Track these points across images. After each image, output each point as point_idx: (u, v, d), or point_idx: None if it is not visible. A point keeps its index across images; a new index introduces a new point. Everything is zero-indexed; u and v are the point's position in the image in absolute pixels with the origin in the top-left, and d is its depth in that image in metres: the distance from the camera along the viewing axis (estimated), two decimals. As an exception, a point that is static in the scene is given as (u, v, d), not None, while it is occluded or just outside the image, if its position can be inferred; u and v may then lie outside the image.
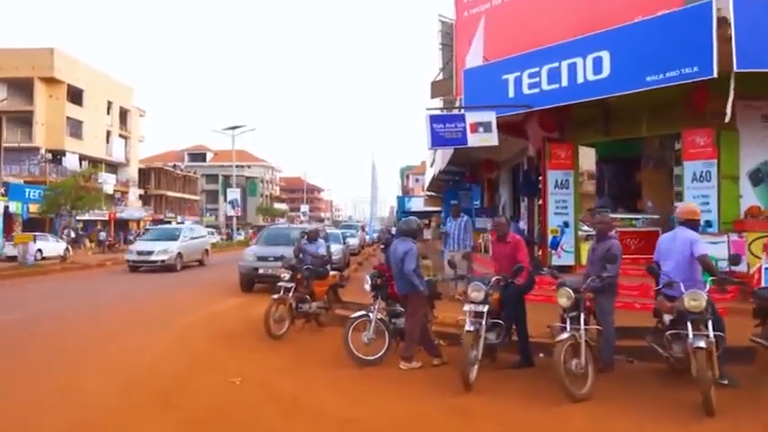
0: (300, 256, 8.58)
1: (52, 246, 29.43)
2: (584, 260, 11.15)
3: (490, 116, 9.76)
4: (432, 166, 26.93)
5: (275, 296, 7.82)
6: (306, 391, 5.73)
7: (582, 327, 5.25)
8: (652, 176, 11.76)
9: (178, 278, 18.04)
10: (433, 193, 42.20)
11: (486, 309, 5.69)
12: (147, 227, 50.32)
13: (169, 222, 64.13)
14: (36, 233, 30.50)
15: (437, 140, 9.53)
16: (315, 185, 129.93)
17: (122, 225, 52.95)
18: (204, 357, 7.16)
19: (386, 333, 6.47)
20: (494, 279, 6.09)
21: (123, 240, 46.60)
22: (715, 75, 7.67)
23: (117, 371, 6.58)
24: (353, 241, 30.36)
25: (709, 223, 9.19)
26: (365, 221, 71.14)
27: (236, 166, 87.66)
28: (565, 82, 9.58)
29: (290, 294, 7.90)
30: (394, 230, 32.78)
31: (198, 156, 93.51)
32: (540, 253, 11.59)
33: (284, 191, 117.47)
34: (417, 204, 48.73)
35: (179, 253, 20.81)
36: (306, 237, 9.01)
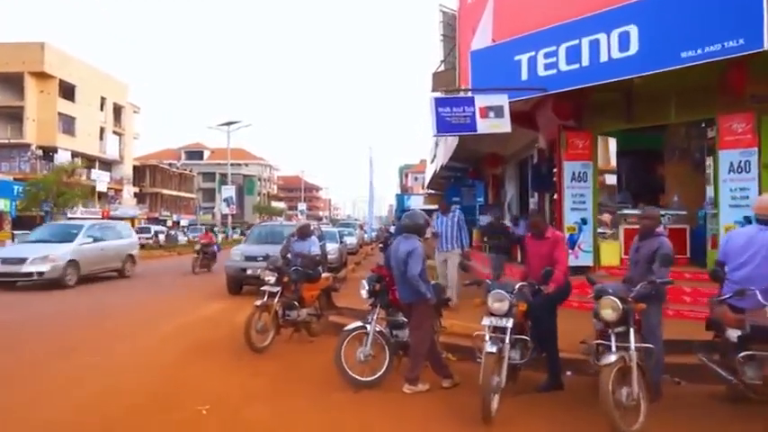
0: (288, 256, 7.55)
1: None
2: (604, 260, 10.18)
3: (502, 100, 8.73)
4: (432, 161, 25.92)
5: (258, 302, 6.75)
6: (287, 422, 4.69)
7: (632, 345, 4.22)
8: (677, 169, 10.74)
9: (159, 282, 16.96)
10: (433, 191, 41.23)
11: (509, 323, 4.66)
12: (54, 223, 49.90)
13: (164, 221, 63.40)
14: (21, 231, 29.55)
15: (443, 126, 8.50)
16: (313, 184, 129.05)
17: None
18: (171, 377, 6.04)
19: (386, 348, 5.40)
20: (519, 285, 5.03)
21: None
22: (766, 47, 6.66)
23: (58, 398, 5.34)
24: (351, 240, 29.34)
25: (748, 219, 8.15)
26: (364, 220, 70.27)
27: (234, 165, 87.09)
28: (586, 61, 8.55)
29: (276, 300, 6.85)
30: (393, 229, 31.86)
31: (195, 154, 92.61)
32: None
33: (282, 189, 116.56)
34: (417, 202, 47.64)
35: (72, 261, 14.49)
36: (295, 234, 7.97)
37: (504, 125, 8.72)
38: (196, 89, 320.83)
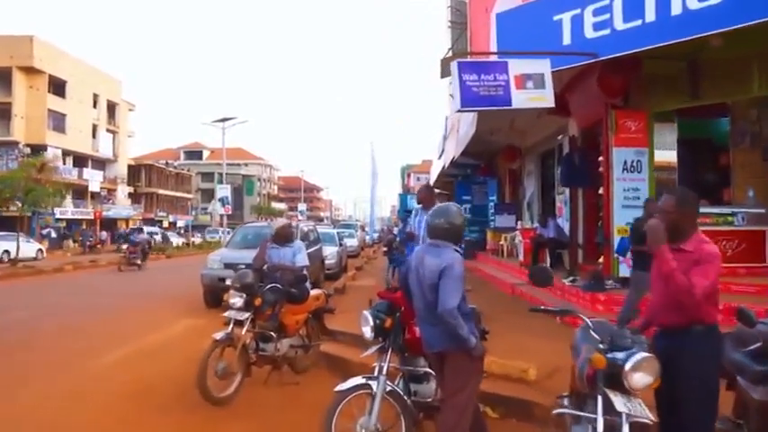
0: (265, 268, 5.71)
1: (23, 247, 26.62)
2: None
3: (543, 66, 6.86)
4: (440, 157, 24.06)
5: (218, 335, 4.84)
6: None
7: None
8: (748, 157, 8.83)
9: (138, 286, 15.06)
10: (439, 190, 39.40)
11: (637, 407, 2.67)
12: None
13: (160, 222, 61.61)
14: (4, 233, 27.88)
15: (469, 98, 6.60)
16: (314, 185, 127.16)
17: (110, 224, 50.05)
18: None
19: (401, 417, 3.49)
20: (643, 333, 3.03)
21: (111, 240, 43.76)
22: None
23: None
24: (352, 242, 27.44)
25: None
26: (365, 221, 68.35)
27: (233, 165, 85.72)
28: (651, 16, 6.70)
29: (244, 330, 5.00)
30: (396, 230, 29.97)
31: (194, 154, 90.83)
32: (602, 261, 8.65)
33: (283, 190, 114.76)
34: (421, 202, 45.98)
35: None
36: (274, 237, 5.90)
37: (545, 98, 6.85)
38: (196, 88, 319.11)
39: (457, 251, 3.33)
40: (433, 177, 31.12)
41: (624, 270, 8.09)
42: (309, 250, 12.12)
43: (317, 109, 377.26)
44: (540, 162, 15.14)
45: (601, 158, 8.64)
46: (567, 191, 11.53)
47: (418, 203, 6.45)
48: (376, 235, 44.78)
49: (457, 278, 3.17)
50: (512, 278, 11.88)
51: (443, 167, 21.59)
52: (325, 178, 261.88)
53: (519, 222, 13.60)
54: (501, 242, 15.79)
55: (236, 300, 4.92)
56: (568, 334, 7.37)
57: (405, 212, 53.19)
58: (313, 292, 5.81)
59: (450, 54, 21.14)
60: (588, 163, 11.14)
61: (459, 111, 7.18)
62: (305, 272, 5.65)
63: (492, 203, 19.45)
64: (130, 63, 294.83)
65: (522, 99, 6.73)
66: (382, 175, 52.58)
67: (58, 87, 44.82)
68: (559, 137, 12.74)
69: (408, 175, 78.91)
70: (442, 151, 22.23)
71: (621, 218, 8.14)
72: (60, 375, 6.21)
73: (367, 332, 3.71)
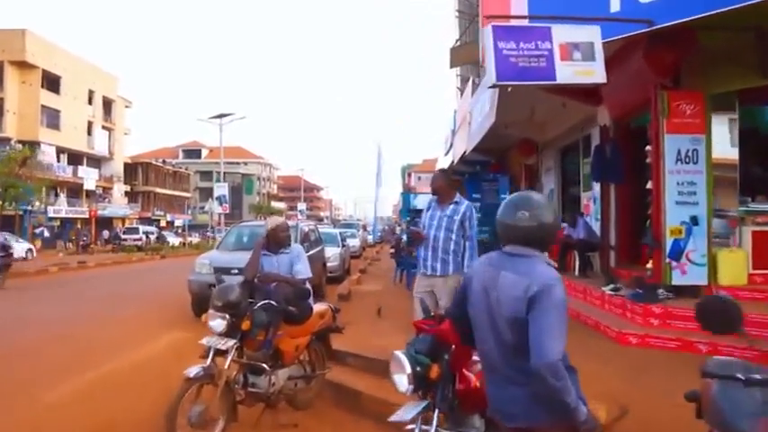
0: (256, 279, 4.40)
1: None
2: (723, 276, 7.11)
3: (592, 34, 5.71)
4: (447, 153, 22.90)
5: (192, 371, 3.62)
6: None
7: None
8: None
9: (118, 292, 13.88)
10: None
11: None
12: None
13: (158, 221, 60.43)
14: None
15: (506, 70, 5.42)
16: (314, 184, 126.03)
17: (106, 223, 48.89)
18: None
19: None
20: None
21: (106, 240, 42.59)
22: None
23: None
24: (354, 242, 26.27)
25: None
26: (366, 220, 67.18)
27: (232, 163, 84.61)
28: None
29: (229, 362, 3.83)
30: (398, 230, 28.74)
31: (193, 152, 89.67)
32: (650, 266, 7.49)
33: (282, 189, 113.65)
34: (425, 201, 44.70)
35: None
36: (265, 242, 4.67)
37: (595, 72, 5.69)
38: (196, 85, 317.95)
39: (550, 265, 2.15)
40: (438, 175, 30.01)
41: (678, 277, 6.95)
42: (310, 252, 10.97)
43: (316, 108, 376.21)
44: (560, 157, 13.97)
45: (648, 148, 7.48)
46: (598, 187, 10.36)
47: (433, 194, 4.98)
48: (378, 235, 43.62)
49: (559, 310, 2.00)
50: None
51: (452, 163, 20.39)
52: (325, 177, 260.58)
53: None
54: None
55: (218, 323, 3.75)
56: (629, 356, 6.28)
57: (407, 211, 52.19)
58: (317, 308, 4.64)
59: (460, 44, 19.99)
60: (621, 156, 10.01)
61: (493, 86, 6.02)
62: (307, 285, 4.50)
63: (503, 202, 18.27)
64: (129, 60, 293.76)
65: (569, 73, 5.57)
66: (383, 175, 51.59)
67: (51, 83, 43.67)
68: (585, 129, 11.61)
69: (409, 175, 77.83)
70: (450, 147, 21.07)
71: (675, 216, 7.00)
72: (26, 396, 5.09)
73: (402, 384, 2.50)
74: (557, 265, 2.29)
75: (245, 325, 3.74)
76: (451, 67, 18.88)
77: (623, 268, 9.72)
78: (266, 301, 3.95)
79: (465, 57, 17.59)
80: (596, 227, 10.25)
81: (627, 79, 8.29)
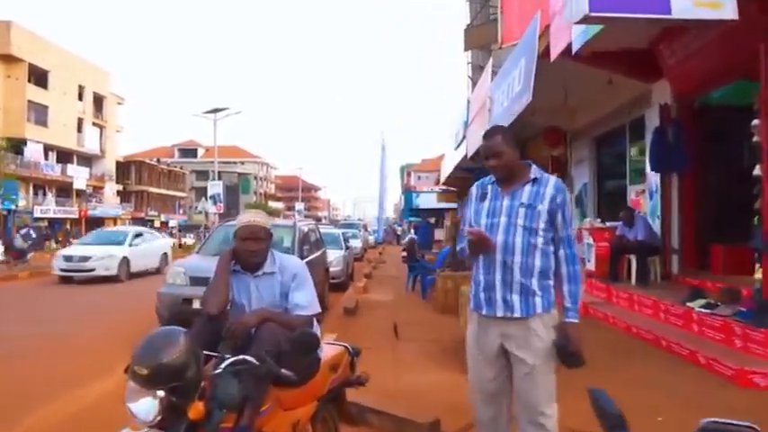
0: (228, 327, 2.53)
1: (-14, 249, 23.74)
2: None
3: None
4: (458, 148, 21.16)
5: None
6: None
7: None
8: None
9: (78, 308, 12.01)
10: (446, 187, 36.48)
11: None
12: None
13: (151, 221, 58.55)
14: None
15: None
16: (312, 184, 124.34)
17: (97, 223, 47.09)
18: None
19: None
20: None
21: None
22: None
23: None
24: (356, 243, 24.53)
25: None
26: (366, 220, 65.49)
27: (229, 163, 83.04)
28: None
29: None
30: (400, 230, 27.08)
31: (189, 151, 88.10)
32: (759, 276, 5.75)
33: (280, 189, 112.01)
34: (428, 201, 42.92)
35: None
36: (234, 253, 2.77)
37: (722, 5, 3.93)
38: (193, 84, 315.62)
39: None
40: (444, 172, 28.19)
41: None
42: (311, 257, 9.23)
43: (314, 107, 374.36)
44: (596, 147, 12.26)
45: (755, 122, 5.75)
46: (657, 178, 8.64)
47: (491, 170, 2.73)
48: (379, 235, 41.91)
49: None
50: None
51: (464, 157, 18.65)
52: (323, 177, 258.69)
53: (586, 220, 10.68)
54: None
55: (144, 407, 1.97)
56: (701, 385, 4.57)
57: (409, 210, 50.64)
58: (327, 354, 2.89)
59: (473, 25, 18.30)
60: (685, 140, 8.34)
61: (580, 21, 4.25)
62: (315, 326, 2.79)
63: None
64: (123, 56, 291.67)
65: (687, 4, 3.83)
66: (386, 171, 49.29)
67: (39, 77, 41.86)
68: (633, 111, 9.92)
69: (408, 174, 76.40)
70: (462, 139, 19.32)
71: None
72: None
73: None
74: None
75: (195, 411, 1.97)
76: (466, 49, 17.24)
77: (691, 276, 8.03)
78: (240, 357, 2.20)
79: (480, 38, 15.93)
80: (656, 226, 8.55)
81: (706, 42, 6.64)
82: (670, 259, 8.45)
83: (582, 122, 12.30)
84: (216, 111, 35.92)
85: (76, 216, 44.80)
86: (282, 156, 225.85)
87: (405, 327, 7.78)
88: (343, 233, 17.75)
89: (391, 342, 6.90)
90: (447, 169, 26.70)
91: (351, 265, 16.12)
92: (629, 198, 10.09)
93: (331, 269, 12.25)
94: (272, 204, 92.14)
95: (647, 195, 9.01)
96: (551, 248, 2.61)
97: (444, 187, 36.78)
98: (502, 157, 2.61)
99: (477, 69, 20.84)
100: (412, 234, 22.41)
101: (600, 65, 8.92)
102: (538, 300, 2.56)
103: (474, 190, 2.81)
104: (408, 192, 54.61)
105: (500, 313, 2.58)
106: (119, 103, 55.20)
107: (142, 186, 58.99)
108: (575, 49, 6.98)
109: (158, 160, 66.07)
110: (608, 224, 9.50)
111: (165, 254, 19.41)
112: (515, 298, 2.55)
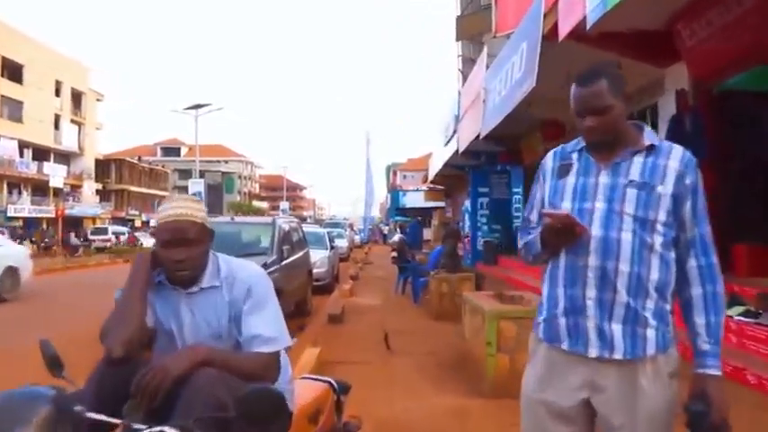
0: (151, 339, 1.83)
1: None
2: None
3: None
4: (447, 143, 20.41)
5: None
6: None
7: None
8: None
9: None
10: (433, 186, 35.79)
11: None
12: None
13: (132, 221, 57.18)
14: None
15: None
16: (297, 183, 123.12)
17: (75, 223, 45.70)
18: None
19: None
20: None
21: (74, 247, 39.24)
22: None
23: None
24: (342, 243, 23.68)
25: None
26: (353, 219, 64.54)
27: (212, 161, 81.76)
28: None
29: None
30: (386, 230, 26.26)
31: (172, 150, 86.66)
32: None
33: (265, 188, 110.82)
34: (415, 200, 42.28)
35: None
36: (154, 259, 1.88)
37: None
38: (178, 83, 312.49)
39: None
40: (433, 170, 27.41)
41: None
42: (293, 258, 8.37)
43: (301, 107, 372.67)
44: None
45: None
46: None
47: (588, 129, 1.76)
48: (365, 234, 41.06)
49: None
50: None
51: (456, 153, 17.87)
52: (308, 177, 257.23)
53: None
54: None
55: None
56: None
57: (396, 209, 49.80)
58: (305, 398, 2.02)
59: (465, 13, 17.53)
60: (704, 128, 7.62)
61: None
62: (284, 365, 1.91)
63: (517, 197, 15.83)
64: (109, 54, 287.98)
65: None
66: (365, 173, 48.22)
67: (13, 71, 40.49)
68: (643, 100, 9.20)
69: (394, 173, 75.68)
70: (453, 134, 18.54)
71: None
72: None
73: None
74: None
75: None
76: (458, 39, 16.49)
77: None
78: (158, 430, 1.34)
79: (473, 27, 15.17)
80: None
81: (733, 19, 5.93)
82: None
83: (583, 114, 11.55)
84: (197, 107, 34.94)
85: (53, 215, 43.39)
86: (268, 155, 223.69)
87: (397, 336, 6.96)
88: (328, 232, 16.89)
89: (382, 355, 6.07)
90: (435, 167, 25.95)
91: (336, 266, 15.26)
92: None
93: (315, 270, 11.40)
94: (257, 204, 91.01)
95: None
96: (673, 255, 1.72)
97: (432, 186, 36.11)
98: (607, 113, 1.71)
99: (469, 62, 20.10)
100: (400, 233, 21.61)
101: (609, 47, 8.19)
102: (651, 333, 1.68)
103: (549, 161, 1.93)
104: (395, 191, 53.83)
105: (593, 352, 1.69)
106: (98, 100, 53.81)
107: (122, 185, 57.63)
108: (589, 23, 6.26)
109: (139, 158, 64.65)
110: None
111: (12, 268, 11.55)
112: (617, 329, 1.67)
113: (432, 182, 32.64)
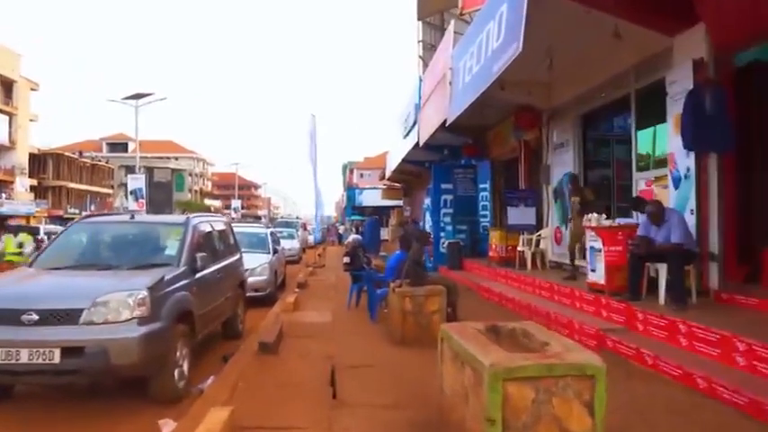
0: None
1: None
2: None
3: None
4: (407, 136, 18.77)
5: None
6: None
7: None
8: None
9: None
10: (390, 183, 34.14)
11: None
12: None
13: (71, 220, 53.55)
14: None
15: None
16: (251, 181, 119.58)
17: (4, 222, 42.16)
18: None
19: None
20: None
21: None
22: None
23: None
24: (292, 244, 21.79)
25: None
26: (307, 218, 62.33)
27: (162, 158, 78.17)
28: None
29: None
30: (342, 229, 24.53)
31: (118, 145, 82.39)
32: None
33: (217, 186, 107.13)
34: (372, 198, 40.51)
35: None
36: None
37: None
38: (126, 77, 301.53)
39: None
40: (390, 166, 25.71)
41: None
42: (212, 268, 6.44)
43: (255, 104, 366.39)
44: (583, 127, 10.03)
45: None
46: (690, 160, 6.36)
47: None
48: (319, 235, 39.00)
49: None
50: (583, 317, 6.65)
51: (416, 146, 16.23)
52: (262, 176, 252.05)
53: (589, 218, 8.28)
54: (519, 247, 10.63)
55: None
56: None
57: (352, 208, 47.96)
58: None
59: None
60: (726, 108, 6.16)
61: None
62: None
63: (484, 194, 14.29)
64: (48, 41, 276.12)
65: None
66: (321, 173, 46.56)
67: (-68, 57, 36.91)
68: (641, 78, 7.77)
69: (351, 171, 73.94)
70: (413, 125, 16.90)
71: None
72: None
73: None
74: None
75: None
76: (419, 18, 14.80)
77: (737, 291, 5.84)
78: None
79: (437, 3, 13.58)
80: (691, 224, 6.29)
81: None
82: (707, 269, 6.22)
83: (565, 97, 10.07)
84: (138, 96, 32.42)
85: (-23, 213, 39.94)
86: (220, 152, 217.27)
87: (348, 373, 5.23)
88: (274, 233, 14.99)
89: (325, 411, 4.29)
90: (393, 163, 24.26)
91: (281, 272, 13.38)
92: (636, 189, 7.86)
93: (252, 279, 9.56)
94: (209, 202, 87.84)
95: (671, 183, 6.74)
96: None
97: (389, 183, 34.46)
98: None
99: (430, 49, 18.56)
100: (356, 234, 19.87)
101: (606, 7, 6.73)
102: None
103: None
104: (351, 188, 52.02)
105: None
106: (32, 89, 50.00)
107: (60, 181, 53.94)
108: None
109: (80, 153, 60.77)
110: (621, 221, 7.21)
111: None
112: None
113: (389, 179, 30.98)
